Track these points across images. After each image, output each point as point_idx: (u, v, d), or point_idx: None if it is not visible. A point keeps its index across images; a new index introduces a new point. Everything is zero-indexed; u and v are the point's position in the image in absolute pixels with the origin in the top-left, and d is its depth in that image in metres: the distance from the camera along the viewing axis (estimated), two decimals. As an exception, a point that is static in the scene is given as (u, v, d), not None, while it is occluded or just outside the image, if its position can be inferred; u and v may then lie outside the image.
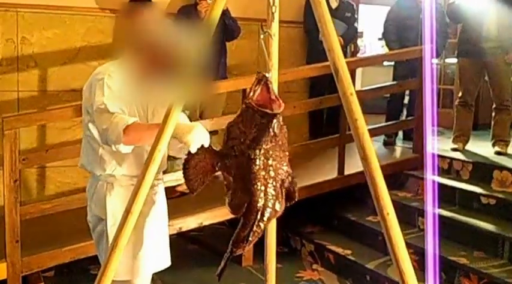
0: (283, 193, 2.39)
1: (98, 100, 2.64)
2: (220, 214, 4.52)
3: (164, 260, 2.99)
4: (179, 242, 5.17)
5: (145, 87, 2.79)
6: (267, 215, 2.35)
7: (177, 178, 4.40)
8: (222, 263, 2.42)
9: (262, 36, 2.40)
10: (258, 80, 2.34)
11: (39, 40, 5.09)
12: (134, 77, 2.77)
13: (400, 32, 6.41)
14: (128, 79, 2.75)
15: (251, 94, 2.32)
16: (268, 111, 2.27)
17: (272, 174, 2.34)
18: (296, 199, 2.43)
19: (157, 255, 2.92)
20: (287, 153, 2.41)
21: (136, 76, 2.77)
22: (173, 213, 4.47)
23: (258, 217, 2.34)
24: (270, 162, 2.33)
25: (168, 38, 2.73)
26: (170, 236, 4.53)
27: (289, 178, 2.40)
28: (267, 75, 2.35)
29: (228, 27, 5.43)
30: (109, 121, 2.58)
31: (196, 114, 5.51)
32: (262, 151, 2.31)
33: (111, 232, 2.70)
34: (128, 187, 2.69)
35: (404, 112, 6.94)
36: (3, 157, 3.75)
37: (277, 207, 2.38)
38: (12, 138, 3.73)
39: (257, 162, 2.31)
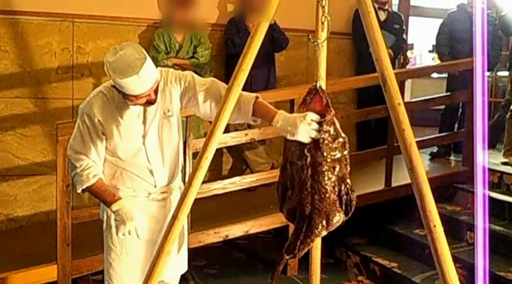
0: (343, 203, 2.37)
1: (68, 143, 2.97)
2: (267, 222, 4.52)
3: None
4: (225, 250, 5.20)
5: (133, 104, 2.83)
6: (316, 225, 2.34)
7: (224, 185, 4.45)
8: (275, 268, 2.45)
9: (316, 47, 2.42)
10: (310, 90, 2.36)
11: (94, 49, 5.21)
12: (121, 100, 2.81)
13: (453, 45, 6.28)
14: (115, 101, 2.82)
15: (301, 104, 2.35)
16: None
17: (323, 183, 2.32)
18: (351, 211, 2.40)
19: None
20: (346, 163, 2.39)
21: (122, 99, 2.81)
22: (219, 220, 4.55)
23: (305, 226, 2.35)
24: (318, 170, 2.32)
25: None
26: (216, 243, 4.62)
27: (347, 188, 2.38)
28: (318, 84, 2.36)
29: (276, 40, 5.47)
30: (75, 171, 2.89)
31: (244, 124, 5.54)
32: (308, 160, 2.31)
33: (106, 233, 3.03)
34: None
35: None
36: (57, 162, 3.86)
37: (334, 218, 2.36)
38: (65, 144, 3.80)
39: (304, 171, 2.32)
